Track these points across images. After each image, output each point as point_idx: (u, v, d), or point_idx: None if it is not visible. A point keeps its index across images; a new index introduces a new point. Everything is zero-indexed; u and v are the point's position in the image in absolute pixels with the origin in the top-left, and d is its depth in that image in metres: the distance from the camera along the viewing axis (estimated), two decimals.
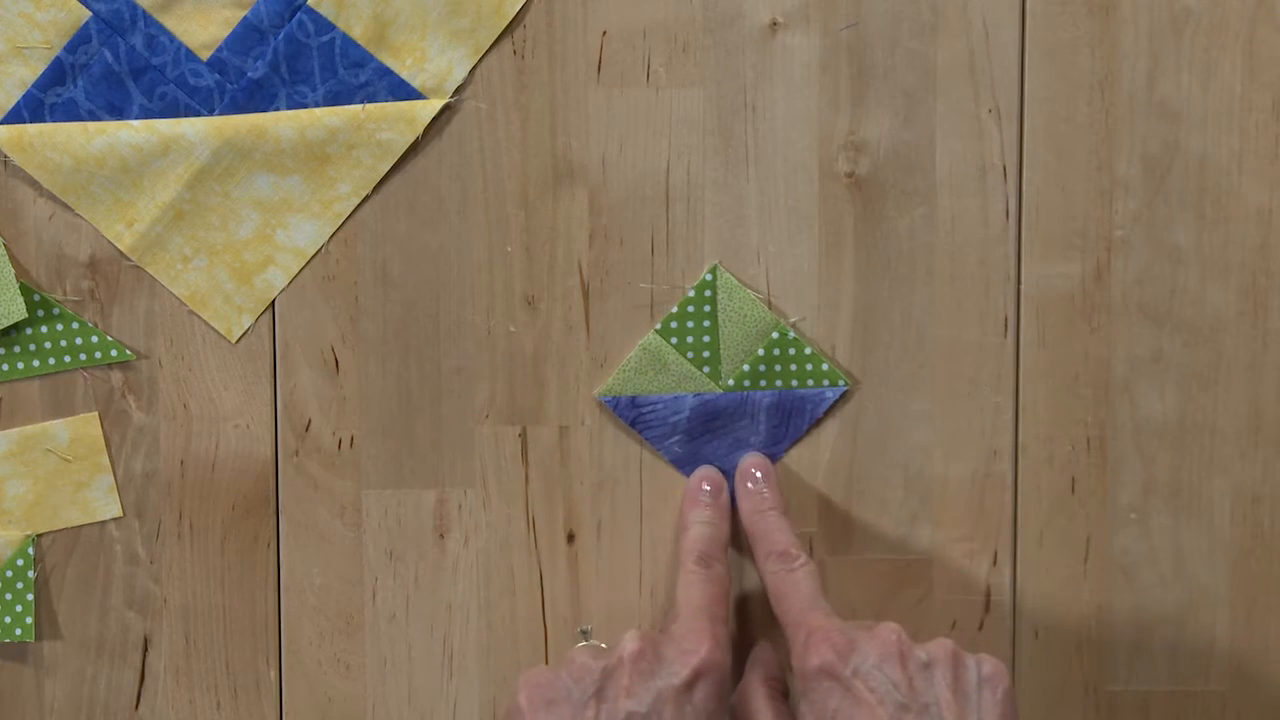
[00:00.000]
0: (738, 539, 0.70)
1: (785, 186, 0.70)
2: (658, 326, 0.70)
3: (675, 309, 0.70)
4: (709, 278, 0.70)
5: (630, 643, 0.63)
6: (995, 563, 0.71)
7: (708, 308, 0.70)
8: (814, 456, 0.71)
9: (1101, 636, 0.71)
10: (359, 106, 0.69)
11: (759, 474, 0.69)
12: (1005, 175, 0.70)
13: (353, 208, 0.70)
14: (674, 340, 0.70)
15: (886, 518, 0.70)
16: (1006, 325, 0.70)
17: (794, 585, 0.65)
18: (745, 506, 0.69)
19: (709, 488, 0.70)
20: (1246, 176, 0.69)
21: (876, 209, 0.70)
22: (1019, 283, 0.70)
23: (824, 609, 0.64)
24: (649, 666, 0.62)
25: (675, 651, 0.63)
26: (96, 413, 0.70)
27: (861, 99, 0.69)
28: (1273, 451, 0.70)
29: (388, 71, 0.69)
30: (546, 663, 0.71)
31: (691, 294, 0.70)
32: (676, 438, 0.70)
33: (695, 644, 0.63)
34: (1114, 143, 0.69)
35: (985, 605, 0.71)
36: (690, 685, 0.62)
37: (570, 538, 0.71)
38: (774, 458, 0.70)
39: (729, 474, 0.70)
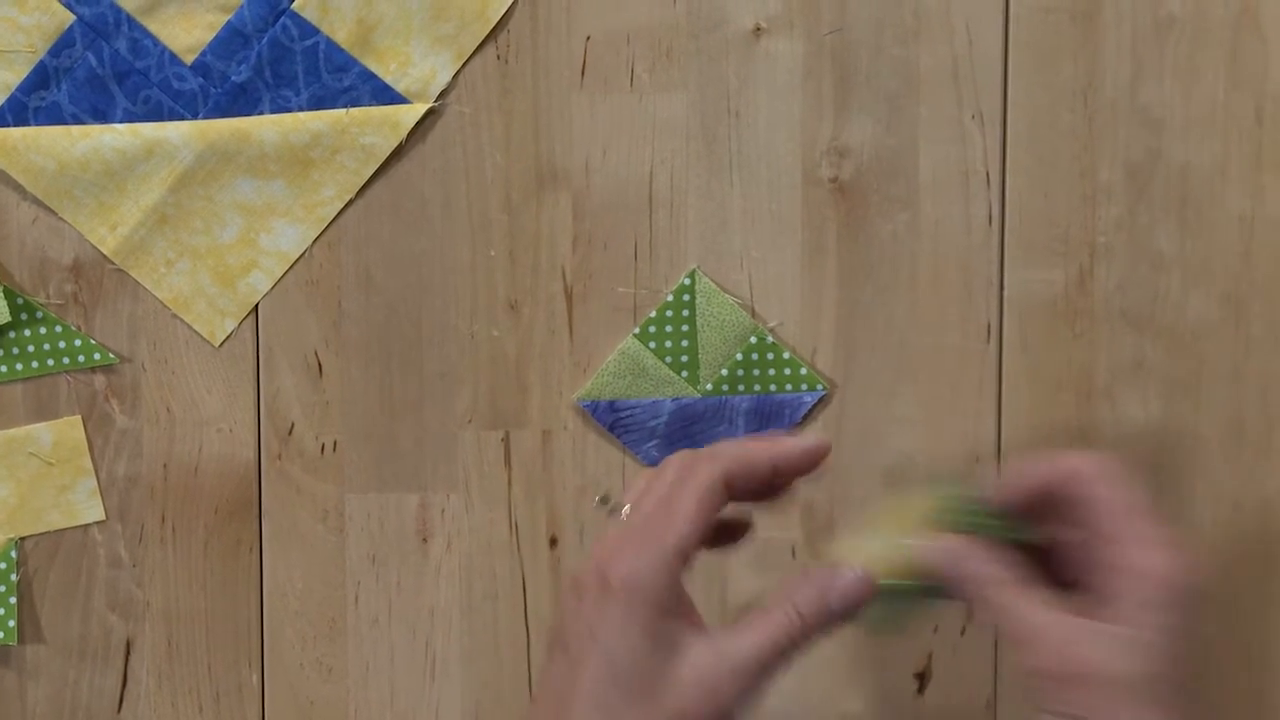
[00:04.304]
0: None
1: (768, 192, 0.70)
2: (636, 331, 0.70)
3: (654, 314, 0.70)
4: (687, 282, 0.70)
5: None
6: None
7: (686, 312, 0.70)
8: None
9: None
10: (343, 111, 0.69)
11: None
12: (988, 181, 0.70)
13: (336, 212, 0.70)
14: (652, 345, 0.70)
15: None
16: (989, 331, 0.70)
17: None
18: None
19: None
20: (1229, 183, 0.69)
21: (859, 214, 0.70)
22: (1002, 288, 0.70)
23: None
24: None
25: None
26: (79, 416, 0.70)
27: (845, 104, 0.69)
28: (1254, 458, 0.70)
29: (371, 76, 0.69)
30: (528, 668, 0.71)
31: (670, 298, 0.70)
32: (655, 442, 0.70)
33: None
34: (1097, 149, 0.69)
35: (968, 611, 0.71)
36: None
37: (553, 542, 0.71)
38: None
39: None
